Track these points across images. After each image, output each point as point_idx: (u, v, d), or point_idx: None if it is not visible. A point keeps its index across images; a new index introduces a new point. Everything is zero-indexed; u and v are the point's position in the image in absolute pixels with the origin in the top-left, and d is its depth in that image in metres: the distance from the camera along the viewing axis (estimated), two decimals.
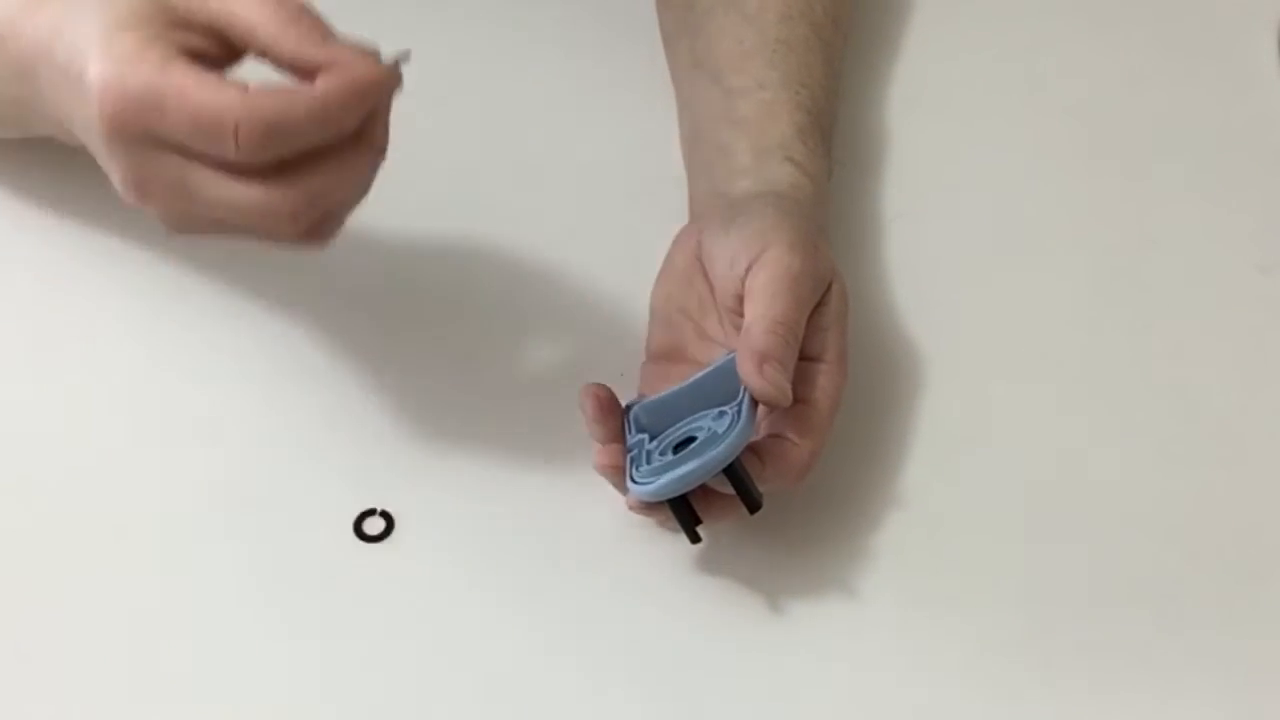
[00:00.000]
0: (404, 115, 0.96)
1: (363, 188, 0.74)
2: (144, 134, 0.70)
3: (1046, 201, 0.95)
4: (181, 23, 0.71)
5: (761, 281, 0.78)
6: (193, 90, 0.69)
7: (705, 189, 0.87)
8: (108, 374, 0.87)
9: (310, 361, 0.82)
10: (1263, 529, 0.84)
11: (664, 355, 0.83)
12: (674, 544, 0.81)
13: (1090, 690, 0.79)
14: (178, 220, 0.73)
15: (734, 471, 0.76)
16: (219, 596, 0.80)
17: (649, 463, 0.77)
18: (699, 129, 0.89)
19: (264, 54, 0.72)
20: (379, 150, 0.73)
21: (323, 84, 0.70)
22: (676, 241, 0.84)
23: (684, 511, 0.77)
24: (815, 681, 0.79)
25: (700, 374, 0.80)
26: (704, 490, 0.77)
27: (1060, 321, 0.90)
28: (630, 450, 0.79)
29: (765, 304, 0.78)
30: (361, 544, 0.82)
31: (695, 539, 0.77)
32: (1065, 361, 0.89)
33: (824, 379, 0.79)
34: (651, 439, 0.79)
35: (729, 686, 0.79)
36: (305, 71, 0.71)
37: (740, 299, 0.79)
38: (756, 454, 0.77)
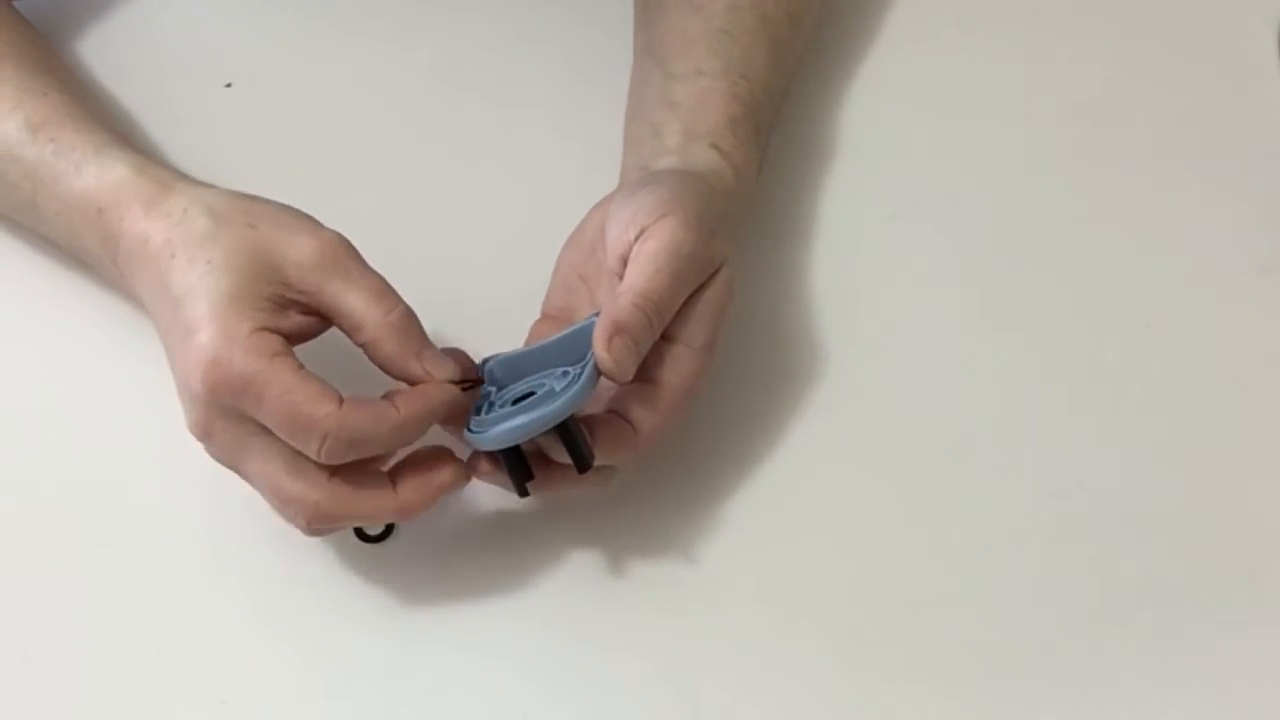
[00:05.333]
0: (401, 108, 0.97)
1: (376, 524, 0.80)
2: (232, 406, 0.74)
3: (1046, 201, 0.95)
4: (291, 303, 0.76)
5: (647, 250, 0.78)
6: (296, 395, 0.73)
7: (632, 163, 0.87)
8: (109, 373, 0.87)
9: (309, 361, 0.82)
10: (1263, 529, 0.84)
11: (555, 317, 0.83)
12: (675, 544, 0.81)
13: (1090, 690, 0.79)
14: (221, 460, 0.77)
15: (565, 429, 0.75)
16: (219, 597, 0.81)
17: (488, 414, 0.77)
18: (638, 107, 0.90)
19: (360, 346, 0.77)
20: (411, 517, 0.77)
21: (405, 408, 0.75)
22: (592, 210, 0.83)
23: (515, 464, 0.76)
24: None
25: (560, 334, 0.79)
26: (545, 460, 0.77)
27: (1060, 321, 0.90)
28: (477, 402, 0.79)
29: (643, 276, 0.77)
30: (361, 544, 0.82)
31: (523, 493, 0.77)
32: (1065, 361, 0.89)
33: (684, 364, 0.79)
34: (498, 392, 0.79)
35: (730, 683, 0.79)
36: (390, 373, 0.77)
37: (625, 262, 0.79)
38: (589, 426, 0.77)
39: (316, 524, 0.76)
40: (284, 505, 0.75)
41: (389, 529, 0.82)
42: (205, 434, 0.76)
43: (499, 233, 0.90)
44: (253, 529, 0.82)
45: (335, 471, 0.75)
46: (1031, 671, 0.79)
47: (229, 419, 0.75)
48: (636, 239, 0.78)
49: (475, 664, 0.79)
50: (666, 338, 0.79)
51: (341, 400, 0.74)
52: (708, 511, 0.83)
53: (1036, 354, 0.89)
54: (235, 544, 0.82)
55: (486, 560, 0.81)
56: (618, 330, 0.76)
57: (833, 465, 0.85)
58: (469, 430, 0.77)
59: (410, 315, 0.77)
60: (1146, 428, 0.87)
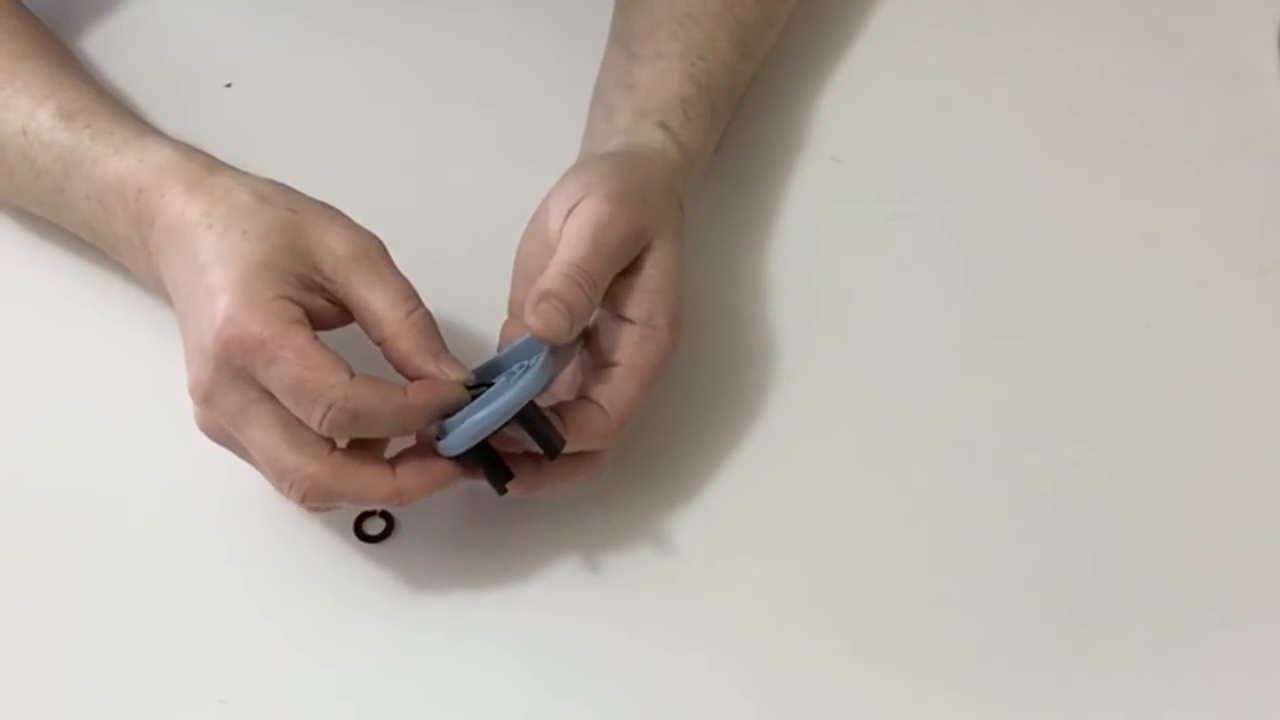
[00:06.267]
0: (400, 108, 0.97)
1: (371, 506, 0.80)
2: (242, 367, 0.74)
3: (1046, 201, 0.95)
4: (317, 287, 0.77)
5: (570, 228, 0.79)
6: (308, 359, 0.74)
7: (586, 149, 0.88)
8: (111, 373, 0.87)
9: None
10: (1263, 529, 0.84)
11: (520, 315, 0.82)
12: (674, 541, 0.81)
13: (1090, 690, 0.79)
14: (214, 430, 0.78)
15: (526, 418, 0.76)
16: (219, 596, 0.81)
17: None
18: (599, 93, 0.91)
19: (378, 343, 0.77)
20: (406, 503, 0.77)
21: (414, 393, 0.76)
22: (542, 201, 0.84)
23: (486, 462, 0.77)
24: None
25: (527, 335, 0.79)
26: (534, 459, 0.77)
27: (1059, 321, 0.90)
28: None
29: (565, 249, 0.78)
30: (361, 544, 0.82)
31: (501, 490, 0.77)
32: (1064, 360, 0.89)
33: (648, 344, 0.79)
34: None
35: (729, 680, 0.79)
36: (404, 370, 0.77)
37: None
38: (558, 414, 0.77)
39: (312, 499, 0.75)
40: (281, 477, 0.75)
41: (389, 528, 0.82)
42: (206, 396, 0.76)
43: (497, 232, 0.90)
44: (252, 528, 0.82)
45: (335, 448, 0.75)
46: (1031, 671, 0.79)
47: (235, 382, 0.75)
48: (564, 222, 0.79)
49: (476, 662, 0.79)
50: (625, 319, 0.79)
51: (352, 375, 0.74)
52: (707, 509, 0.83)
53: (1036, 353, 0.89)
54: (234, 543, 0.82)
55: (486, 559, 0.81)
56: (543, 296, 0.77)
57: (832, 464, 0.85)
58: (436, 440, 0.77)
59: (430, 319, 0.78)
60: (1147, 427, 0.87)
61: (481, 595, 0.81)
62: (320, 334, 0.76)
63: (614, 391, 0.79)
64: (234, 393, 0.75)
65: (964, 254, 0.93)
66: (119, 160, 0.82)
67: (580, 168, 0.83)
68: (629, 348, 0.79)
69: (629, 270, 0.80)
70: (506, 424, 0.75)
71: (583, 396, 0.79)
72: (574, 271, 0.77)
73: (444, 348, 0.78)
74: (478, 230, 0.91)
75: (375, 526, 0.82)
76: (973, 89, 0.99)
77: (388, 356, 0.77)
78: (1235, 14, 1.02)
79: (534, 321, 0.76)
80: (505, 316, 0.83)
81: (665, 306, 0.80)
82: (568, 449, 0.77)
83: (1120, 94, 0.99)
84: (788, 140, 0.96)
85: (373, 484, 0.76)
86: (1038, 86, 0.99)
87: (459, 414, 0.76)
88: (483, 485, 0.80)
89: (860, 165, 0.96)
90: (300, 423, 0.75)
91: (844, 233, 0.93)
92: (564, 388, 0.80)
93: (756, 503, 0.83)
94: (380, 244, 0.79)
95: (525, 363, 0.78)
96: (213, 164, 0.81)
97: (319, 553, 0.81)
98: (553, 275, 0.77)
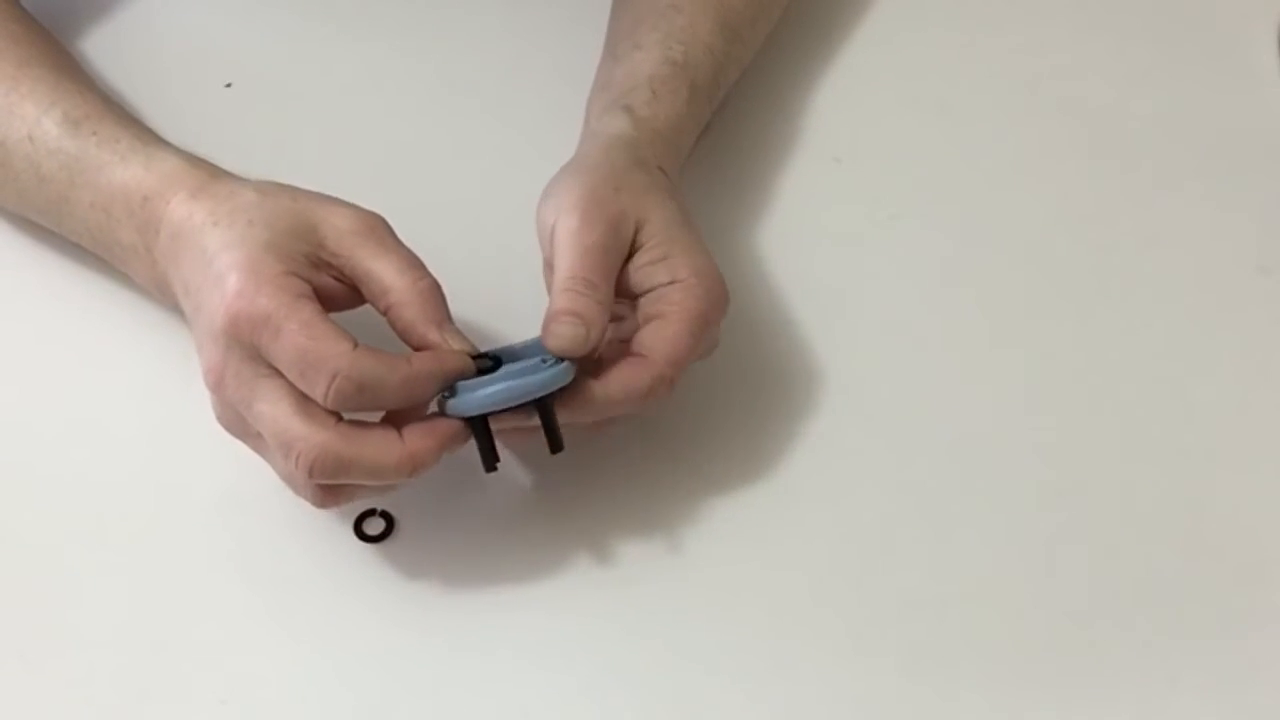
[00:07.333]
0: (401, 108, 0.97)
1: (386, 488, 0.79)
2: (250, 343, 0.75)
3: (1046, 201, 0.95)
4: (324, 264, 0.78)
5: (557, 248, 0.80)
6: (312, 330, 0.74)
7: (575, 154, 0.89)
8: (111, 373, 0.87)
9: None
10: (1263, 529, 0.84)
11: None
12: (676, 542, 0.81)
13: (1090, 690, 0.79)
14: (228, 418, 0.78)
15: (544, 406, 0.76)
16: (219, 596, 0.81)
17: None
18: (588, 99, 0.91)
19: (384, 312, 0.78)
20: (417, 470, 0.76)
21: (418, 362, 0.76)
22: (537, 213, 0.84)
23: (483, 436, 0.77)
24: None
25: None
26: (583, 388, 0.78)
27: (1059, 321, 0.90)
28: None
29: (558, 268, 0.79)
30: (361, 544, 0.82)
31: (490, 468, 0.78)
32: (1065, 361, 0.89)
33: (678, 292, 0.80)
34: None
35: (730, 681, 0.79)
36: (408, 339, 0.78)
37: None
38: (605, 368, 0.78)
39: (321, 469, 0.75)
40: (289, 449, 0.75)
41: (389, 528, 0.82)
42: (218, 380, 0.76)
43: (498, 233, 0.90)
44: (252, 528, 0.82)
45: (343, 419, 0.76)
46: (1031, 671, 0.79)
47: (243, 361, 0.75)
48: (551, 247, 0.81)
49: (475, 661, 0.79)
50: (658, 283, 0.80)
51: (356, 344, 0.75)
52: (709, 510, 0.83)
53: (1036, 353, 0.89)
54: (235, 543, 0.82)
55: (485, 558, 0.81)
56: (552, 318, 0.78)
57: (833, 465, 0.85)
58: (445, 397, 0.77)
59: (438, 288, 0.78)
60: (1147, 428, 0.87)
61: (481, 595, 0.81)
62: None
63: (653, 336, 0.79)
64: (244, 370, 0.75)
65: (963, 254, 0.93)
66: (125, 168, 0.82)
67: (547, 194, 0.83)
68: (660, 303, 0.80)
69: (634, 253, 0.81)
70: (520, 406, 0.76)
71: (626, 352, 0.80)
72: (570, 283, 0.78)
73: (449, 318, 0.78)
74: (478, 230, 0.91)
75: (375, 526, 0.82)
76: (973, 89, 0.99)
77: (393, 324, 0.78)
78: (1235, 14, 1.02)
79: (552, 343, 0.77)
80: (506, 314, 0.83)
81: (682, 263, 0.81)
82: (612, 404, 0.77)
83: (1120, 93, 0.99)
84: (788, 140, 0.96)
85: (383, 449, 0.75)
86: (1038, 86, 0.99)
87: (475, 380, 0.77)
88: (478, 481, 0.80)
89: (861, 165, 0.96)
90: (308, 397, 0.75)
91: (844, 232, 0.93)
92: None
93: (756, 503, 0.83)
94: (384, 220, 0.79)
95: (546, 358, 0.78)
96: (217, 171, 0.82)
97: (319, 553, 0.81)
98: (554, 296, 0.78)
